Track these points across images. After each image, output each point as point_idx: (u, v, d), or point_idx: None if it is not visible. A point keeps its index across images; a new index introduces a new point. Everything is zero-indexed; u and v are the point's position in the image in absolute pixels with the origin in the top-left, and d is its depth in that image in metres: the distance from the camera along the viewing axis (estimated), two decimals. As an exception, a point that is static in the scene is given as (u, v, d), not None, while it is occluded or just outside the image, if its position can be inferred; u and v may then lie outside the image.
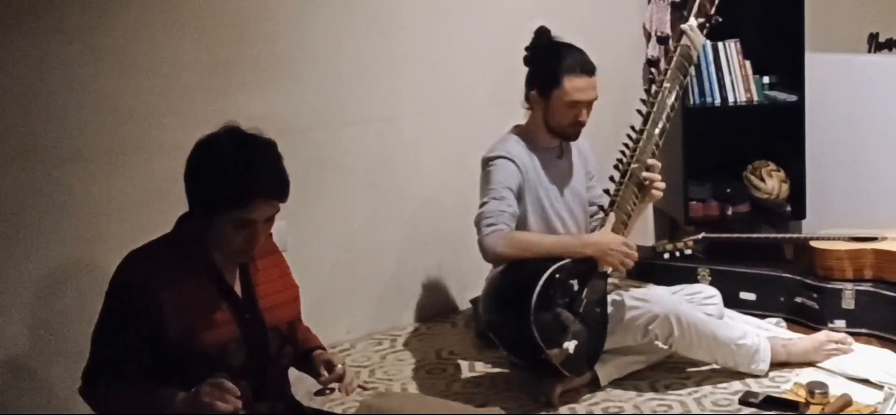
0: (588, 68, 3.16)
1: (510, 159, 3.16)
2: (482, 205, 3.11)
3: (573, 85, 3.13)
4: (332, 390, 2.35)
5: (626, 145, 3.21)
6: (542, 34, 3.24)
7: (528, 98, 3.24)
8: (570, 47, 3.18)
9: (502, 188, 3.11)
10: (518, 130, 3.29)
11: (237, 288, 2.32)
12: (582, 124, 3.21)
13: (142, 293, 2.19)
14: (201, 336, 2.22)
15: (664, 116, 3.21)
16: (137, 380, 2.21)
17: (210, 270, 2.27)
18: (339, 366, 2.36)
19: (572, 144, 3.34)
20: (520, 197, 3.16)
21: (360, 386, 2.46)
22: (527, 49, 3.25)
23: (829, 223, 4.11)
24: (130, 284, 2.22)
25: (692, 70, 3.33)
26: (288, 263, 2.52)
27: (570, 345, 3.00)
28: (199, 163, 2.22)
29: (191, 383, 2.18)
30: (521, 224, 3.17)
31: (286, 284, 2.47)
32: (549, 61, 3.17)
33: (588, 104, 3.18)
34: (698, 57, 3.35)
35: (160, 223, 2.36)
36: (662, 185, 3.22)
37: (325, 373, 2.36)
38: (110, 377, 2.22)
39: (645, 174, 3.18)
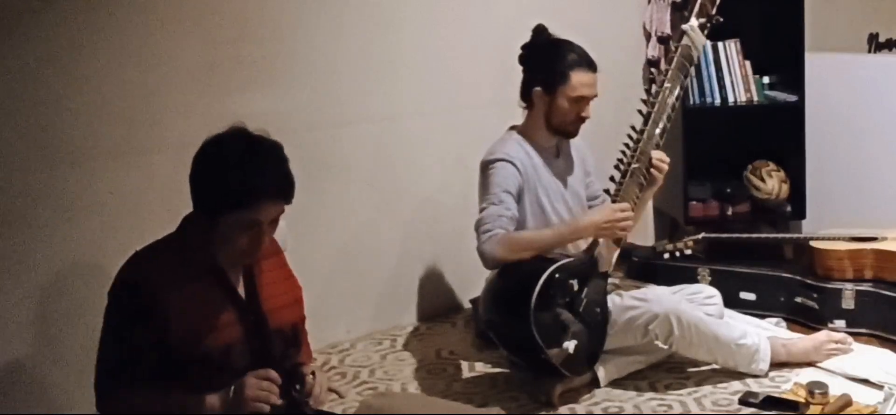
0: (592, 64, 3.18)
1: (509, 161, 3.16)
2: (481, 210, 3.11)
3: (580, 80, 3.14)
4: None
5: (627, 145, 3.20)
6: (540, 32, 3.24)
7: (528, 96, 3.24)
8: (571, 43, 3.19)
9: (501, 192, 3.10)
10: (516, 130, 3.29)
11: (241, 290, 2.31)
12: (584, 120, 3.22)
13: (148, 294, 2.18)
14: (206, 338, 2.20)
15: (665, 116, 3.21)
16: (155, 384, 2.19)
17: (215, 271, 2.27)
18: (309, 377, 2.31)
19: (571, 142, 3.34)
20: (519, 199, 3.16)
21: (330, 389, 2.42)
22: (524, 48, 3.26)
23: (829, 223, 4.11)
24: (136, 285, 2.20)
25: (692, 70, 3.33)
26: (289, 265, 2.51)
27: (570, 345, 3.00)
28: (206, 164, 2.22)
29: (194, 385, 2.17)
30: (521, 225, 3.16)
31: (290, 286, 2.46)
32: (555, 57, 3.17)
33: (590, 100, 3.18)
34: (699, 57, 3.35)
35: (162, 224, 2.35)
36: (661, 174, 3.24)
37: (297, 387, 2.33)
38: (126, 384, 2.19)
39: (654, 162, 3.19)
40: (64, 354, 3.00)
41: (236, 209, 2.18)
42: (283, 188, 2.23)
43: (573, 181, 3.34)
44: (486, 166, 3.19)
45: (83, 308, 2.93)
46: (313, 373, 2.33)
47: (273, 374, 2.16)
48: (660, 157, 3.21)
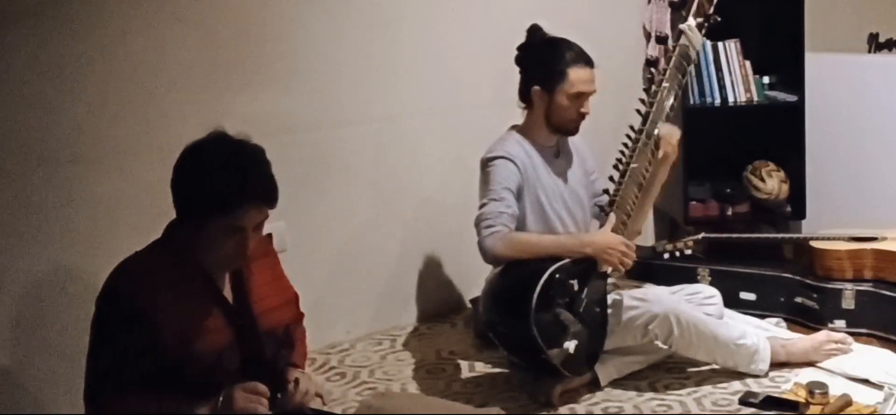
0: (589, 60, 3.19)
1: (509, 159, 3.16)
2: (481, 206, 3.11)
3: (578, 76, 3.15)
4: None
5: (626, 145, 3.21)
6: (535, 31, 3.25)
7: (527, 95, 3.24)
8: (567, 41, 3.20)
9: (501, 189, 3.11)
10: (516, 130, 3.29)
11: (228, 294, 2.30)
12: (583, 117, 3.22)
13: (137, 300, 2.16)
14: (195, 343, 2.20)
15: (663, 116, 3.21)
16: (147, 391, 2.18)
17: (202, 277, 2.25)
18: (291, 384, 2.30)
19: (570, 142, 3.34)
20: (519, 197, 3.16)
21: (317, 394, 2.41)
22: (520, 48, 3.26)
23: (829, 223, 4.11)
24: (125, 292, 2.19)
25: (691, 70, 3.33)
26: (281, 266, 2.50)
27: (570, 345, 3.00)
28: (189, 170, 2.20)
29: (186, 390, 2.17)
30: (520, 224, 3.17)
31: (281, 287, 2.46)
32: (552, 56, 3.18)
33: (589, 96, 3.19)
34: (698, 57, 3.35)
35: (159, 224, 2.35)
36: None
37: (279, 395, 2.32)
38: (117, 391, 2.18)
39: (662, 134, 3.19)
40: (53, 358, 2.98)
41: (220, 215, 2.16)
42: (267, 192, 2.22)
43: (573, 181, 3.34)
44: (486, 163, 3.19)
45: (76, 310, 2.91)
46: (296, 379, 2.32)
47: (261, 387, 2.15)
48: (669, 131, 3.21)
